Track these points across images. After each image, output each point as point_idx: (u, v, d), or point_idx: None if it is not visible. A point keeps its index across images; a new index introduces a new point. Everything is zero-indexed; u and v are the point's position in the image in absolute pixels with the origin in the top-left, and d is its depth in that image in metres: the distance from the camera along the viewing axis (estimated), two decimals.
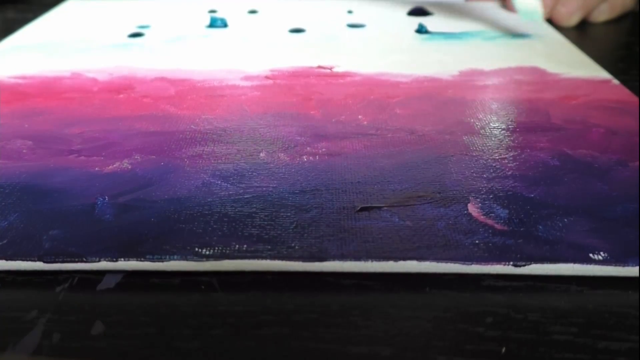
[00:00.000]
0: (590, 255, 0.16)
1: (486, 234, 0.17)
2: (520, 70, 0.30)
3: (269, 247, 0.16)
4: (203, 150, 0.22)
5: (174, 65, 0.31)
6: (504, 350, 0.14)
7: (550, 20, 0.40)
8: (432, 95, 0.27)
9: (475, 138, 0.23)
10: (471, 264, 0.16)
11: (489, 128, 0.24)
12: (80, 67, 0.30)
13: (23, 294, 0.16)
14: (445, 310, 0.15)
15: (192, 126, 0.24)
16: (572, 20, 0.40)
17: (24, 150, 0.22)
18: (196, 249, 0.16)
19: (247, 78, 0.29)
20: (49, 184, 0.19)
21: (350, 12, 0.42)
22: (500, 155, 0.21)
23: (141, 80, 0.29)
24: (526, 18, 0.37)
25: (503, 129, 0.24)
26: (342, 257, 0.16)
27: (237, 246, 0.16)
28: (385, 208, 0.18)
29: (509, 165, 0.21)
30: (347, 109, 0.26)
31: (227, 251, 0.16)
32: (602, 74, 0.30)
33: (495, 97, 0.27)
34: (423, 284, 0.16)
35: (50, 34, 0.37)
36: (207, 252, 0.16)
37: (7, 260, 0.16)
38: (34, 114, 0.25)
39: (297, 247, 0.16)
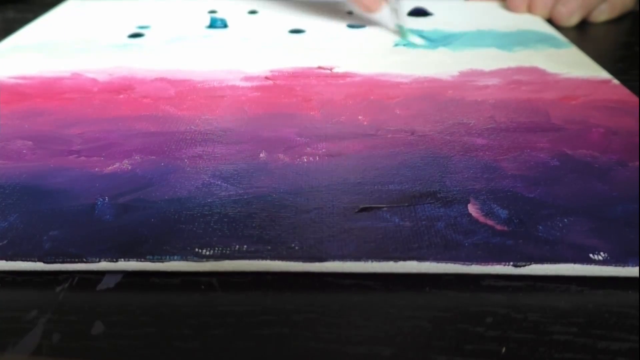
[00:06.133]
0: (590, 255, 0.16)
1: (486, 234, 0.17)
2: (520, 70, 0.30)
3: (269, 247, 0.16)
4: (203, 151, 0.22)
5: (174, 65, 0.31)
6: (504, 350, 0.14)
7: (550, 20, 0.40)
8: (432, 95, 0.27)
9: (475, 138, 0.23)
10: (471, 264, 0.16)
11: (489, 128, 0.24)
12: (80, 67, 0.30)
13: (23, 294, 0.16)
14: (445, 310, 0.15)
15: (192, 127, 0.24)
16: (572, 20, 0.40)
17: (24, 151, 0.22)
18: (196, 250, 0.16)
19: (247, 78, 0.29)
20: (49, 184, 0.19)
21: (350, 12, 0.42)
22: (500, 155, 0.21)
23: (141, 80, 0.29)
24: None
25: (503, 129, 0.24)
26: (342, 257, 0.16)
27: (237, 246, 0.16)
28: (385, 208, 0.18)
29: (509, 165, 0.21)
30: (347, 109, 0.26)
31: (227, 251, 0.16)
32: (602, 74, 0.30)
33: (495, 97, 0.27)
34: (423, 284, 0.16)
35: (50, 34, 0.37)
36: (207, 253, 0.16)
37: (7, 260, 0.16)
38: (34, 114, 0.25)
39: (297, 248, 0.16)
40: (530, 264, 0.16)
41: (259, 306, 0.15)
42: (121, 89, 0.28)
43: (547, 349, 0.14)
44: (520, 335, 0.14)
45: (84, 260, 0.16)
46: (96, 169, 0.21)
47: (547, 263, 0.16)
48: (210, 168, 0.21)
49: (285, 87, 0.28)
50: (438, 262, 0.16)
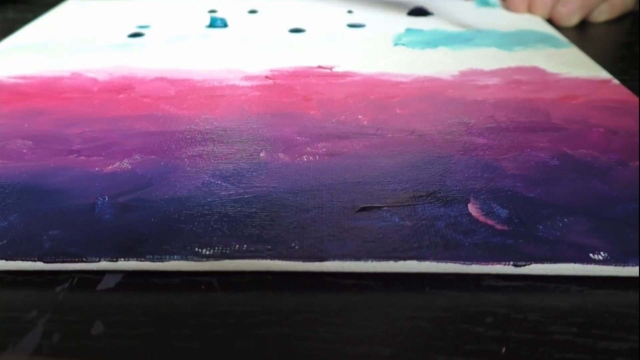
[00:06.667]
0: (591, 255, 0.16)
1: (486, 234, 0.17)
2: (520, 70, 0.30)
3: (269, 247, 0.16)
4: (203, 150, 0.22)
5: (174, 65, 0.31)
6: (504, 350, 0.14)
7: (550, 20, 0.40)
8: (432, 95, 0.27)
9: (476, 138, 0.23)
10: (471, 264, 0.16)
11: (489, 128, 0.24)
12: (80, 67, 0.30)
13: (23, 294, 0.16)
14: (445, 310, 0.15)
15: (192, 126, 0.24)
16: (572, 20, 0.40)
17: (24, 150, 0.22)
18: (196, 249, 0.16)
19: (247, 78, 0.29)
20: (49, 184, 0.19)
21: (350, 12, 0.42)
22: (501, 154, 0.21)
23: (141, 80, 0.29)
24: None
25: (503, 129, 0.24)
26: (342, 257, 0.16)
27: (237, 246, 0.16)
28: (385, 208, 0.18)
29: (509, 164, 0.21)
30: (347, 108, 0.26)
31: (227, 251, 0.16)
32: (602, 74, 0.30)
33: (495, 97, 0.27)
34: (423, 284, 0.16)
35: (50, 34, 0.37)
36: (207, 252, 0.16)
37: (7, 260, 0.16)
38: (34, 114, 0.25)
39: (297, 247, 0.16)
40: (531, 264, 0.16)
41: (259, 306, 0.15)
42: (121, 88, 0.28)
43: (547, 349, 0.14)
44: (520, 335, 0.14)
45: (84, 260, 0.16)
46: (96, 169, 0.21)
47: (547, 263, 0.16)
48: (210, 167, 0.21)
49: (285, 86, 0.28)
50: (438, 262, 0.16)
